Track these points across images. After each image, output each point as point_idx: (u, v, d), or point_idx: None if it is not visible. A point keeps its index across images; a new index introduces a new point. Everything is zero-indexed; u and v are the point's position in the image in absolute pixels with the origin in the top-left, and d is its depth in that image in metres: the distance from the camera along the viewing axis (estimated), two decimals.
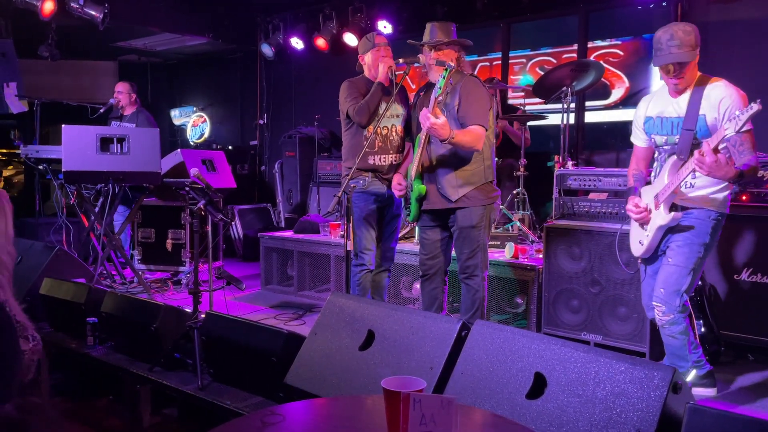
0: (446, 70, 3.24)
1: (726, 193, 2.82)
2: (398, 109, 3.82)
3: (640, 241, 2.94)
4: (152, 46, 8.68)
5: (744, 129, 2.54)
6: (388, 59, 3.71)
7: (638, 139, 3.04)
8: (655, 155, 3.00)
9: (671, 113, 2.83)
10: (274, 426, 1.63)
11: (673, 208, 2.81)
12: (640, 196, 2.94)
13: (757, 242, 3.58)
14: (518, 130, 5.22)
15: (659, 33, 2.73)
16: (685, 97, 2.77)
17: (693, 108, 2.71)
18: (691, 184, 2.80)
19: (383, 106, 3.67)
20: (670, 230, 2.84)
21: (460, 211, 3.42)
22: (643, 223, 2.90)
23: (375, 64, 3.76)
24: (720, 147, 2.55)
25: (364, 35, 3.94)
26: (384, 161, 3.77)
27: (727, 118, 2.59)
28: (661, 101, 2.89)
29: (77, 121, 4.96)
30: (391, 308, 2.69)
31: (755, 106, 2.40)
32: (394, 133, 3.80)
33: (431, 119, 3.16)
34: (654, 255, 2.94)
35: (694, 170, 2.60)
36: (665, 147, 2.88)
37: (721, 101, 2.66)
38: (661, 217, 2.79)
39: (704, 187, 2.79)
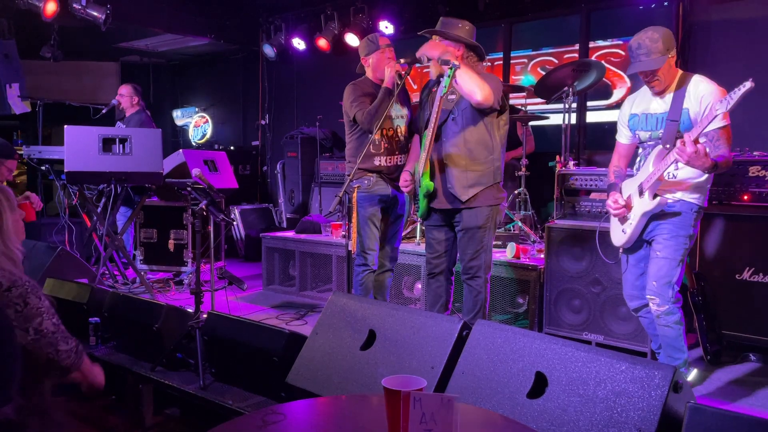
0: (451, 69, 3.20)
1: (707, 186, 2.93)
2: (402, 110, 3.82)
3: (622, 230, 3.03)
4: (154, 46, 8.70)
5: (722, 125, 2.75)
6: (396, 64, 3.64)
7: (622, 136, 3.14)
8: (639, 150, 3.11)
9: (656, 110, 2.95)
10: (275, 425, 1.63)
11: (657, 196, 2.90)
12: (620, 192, 3.05)
13: (759, 242, 3.58)
14: (521, 136, 5.23)
15: (632, 40, 2.86)
16: (669, 95, 2.90)
17: (677, 103, 2.85)
18: (673, 174, 2.90)
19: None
20: (654, 218, 2.93)
21: (467, 211, 3.40)
22: (623, 217, 3.02)
23: (380, 66, 3.74)
24: (700, 140, 2.68)
25: (366, 36, 3.93)
26: (390, 162, 3.78)
27: (708, 112, 2.72)
28: (645, 99, 3.01)
29: (80, 122, 4.97)
30: (392, 308, 2.69)
31: (731, 97, 2.51)
32: (399, 134, 3.81)
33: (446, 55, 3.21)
34: (636, 244, 3.04)
35: (676, 160, 2.72)
36: (649, 142, 2.99)
37: (703, 97, 2.79)
38: (646, 204, 2.89)
39: (686, 178, 2.89)
